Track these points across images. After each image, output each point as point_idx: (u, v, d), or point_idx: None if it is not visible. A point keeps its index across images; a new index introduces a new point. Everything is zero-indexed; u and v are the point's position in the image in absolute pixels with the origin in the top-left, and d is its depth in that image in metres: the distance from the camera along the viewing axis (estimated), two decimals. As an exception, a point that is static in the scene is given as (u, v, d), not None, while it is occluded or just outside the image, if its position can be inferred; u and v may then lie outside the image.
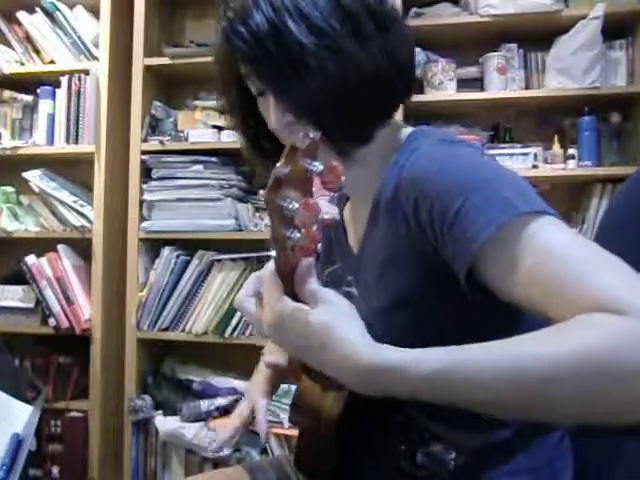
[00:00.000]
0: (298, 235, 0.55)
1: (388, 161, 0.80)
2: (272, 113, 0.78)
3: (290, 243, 0.56)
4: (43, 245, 2.29)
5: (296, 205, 0.55)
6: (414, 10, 2.17)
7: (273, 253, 0.61)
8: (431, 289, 0.74)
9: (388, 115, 0.81)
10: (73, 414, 2.21)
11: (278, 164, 0.55)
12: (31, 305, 2.26)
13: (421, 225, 0.71)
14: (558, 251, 0.61)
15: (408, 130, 0.83)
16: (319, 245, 0.56)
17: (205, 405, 2.07)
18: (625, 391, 0.52)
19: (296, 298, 0.62)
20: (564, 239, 0.62)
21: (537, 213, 0.63)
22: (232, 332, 2.10)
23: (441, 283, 0.71)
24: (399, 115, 2.05)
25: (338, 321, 0.60)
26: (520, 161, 2.07)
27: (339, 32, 0.73)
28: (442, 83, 2.12)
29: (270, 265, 0.63)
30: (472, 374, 0.55)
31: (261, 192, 0.54)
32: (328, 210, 0.55)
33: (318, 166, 0.55)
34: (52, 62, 2.34)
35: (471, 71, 2.20)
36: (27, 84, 2.36)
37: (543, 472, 0.80)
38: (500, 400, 0.56)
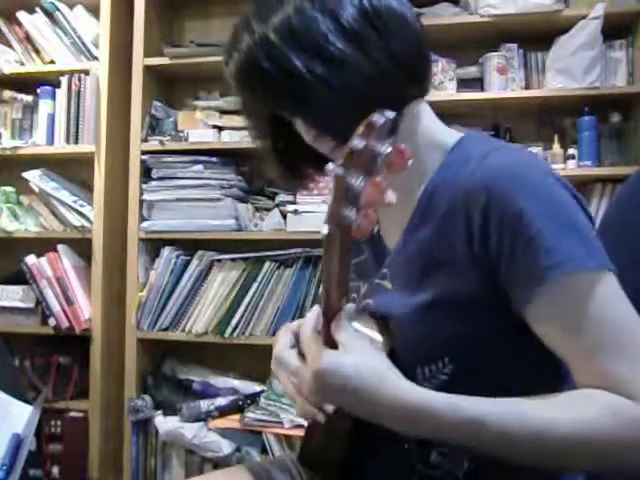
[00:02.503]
0: (356, 215, 0.56)
1: (423, 158, 0.81)
2: (301, 130, 0.81)
3: (347, 222, 0.56)
4: (43, 245, 2.29)
5: (363, 183, 0.55)
6: (414, 10, 2.17)
7: (325, 230, 0.60)
8: (482, 293, 0.74)
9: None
10: (73, 414, 2.21)
11: (354, 137, 0.55)
12: (31, 305, 2.26)
13: (486, 241, 0.71)
14: (603, 319, 0.67)
15: (453, 132, 0.84)
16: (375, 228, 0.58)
17: (205, 405, 2.07)
18: (624, 461, 0.65)
19: (333, 346, 0.68)
20: (613, 307, 0.68)
21: (599, 270, 0.68)
22: (232, 332, 2.10)
23: (492, 289, 0.72)
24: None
25: (385, 367, 0.67)
26: (520, 161, 2.07)
27: (336, 47, 0.73)
28: (442, 83, 2.13)
29: (306, 320, 0.70)
30: (507, 430, 0.64)
31: (330, 166, 0.57)
32: (390, 193, 0.56)
33: (387, 147, 0.55)
34: (52, 62, 2.34)
35: (471, 71, 2.19)
36: (27, 84, 2.36)
37: (561, 474, 0.80)
38: (520, 455, 0.66)
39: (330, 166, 0.57)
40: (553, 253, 0.66)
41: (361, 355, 0.67)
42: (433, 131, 0.84)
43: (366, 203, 0.55)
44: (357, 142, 0.55)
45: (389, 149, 0.55)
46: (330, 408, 0.72)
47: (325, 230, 0.60)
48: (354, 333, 0.69)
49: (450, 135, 0.83)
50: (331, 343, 0.68)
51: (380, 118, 0.55)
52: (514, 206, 0.69)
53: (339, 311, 0.68)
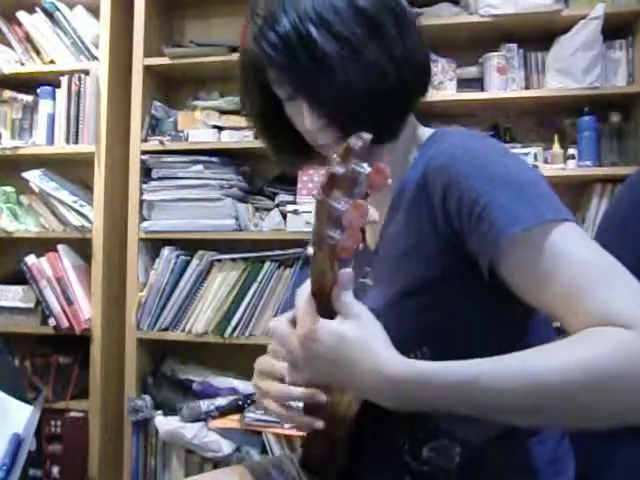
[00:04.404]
0: (341, 235, 0.57)
1: (407, 158, 0.83)
2: (306, 117, 0.79)
3: (332, 242, 0.58)
4: (43, 245, 2.29)
5: (345, 205, 0.56)
6: (414, 10, 2.17)
7: (310, 251, 0.62)
8: (453, 273, 0.75)
9: (408, 112, 0.83)
10: (73, 414, 2.21)
11: (334, 163, 0.57)
12: (31, 305, 2.26)
13: (448, 212, 0.73)
14: (576, 262, 0.65)
15: (428, 129, 0.86)
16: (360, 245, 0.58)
17: (205, 405, 2.07)
18: (631, 397, 0.58)
19: (328, 315, 0.65)
20: (583, 250, 0.66)
21: (560, 220, 0.67)
22: (232, 332, 2.10)
23: (463, 268, 0.73)
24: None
25: (371, 336, 0.64)
26: (520, 161, 2.07)
27: (360, 37, 0.74)
28: (442, 83, 2.13)
29: (304, 289, 0.67)
30: (497, 385, 0.60)
31: (315, 189, 0.57)
32: (372, 212, 0.58)
33: (366, 167, 0.56)
34: (52, 62, 2.34)
35: (471, 71, 2.19)
36: (27, 84, 2.36)
37: (546, 469, 0.80)
38: (516, 408, 0.61)
39: (314, 193, 0.59)
40: (502, 216, 0.67)
41: (354, 324, 0.64)
42: (414, 129, 0.86)
43: (349, 225, 0.57)
44: (338, 168, 0.57)
45: (369, 169, 0.57)
46: (320, 424, 0.71)
47: (310, 251, 0.61)
48: (355, 301, 0.66)
49: (427, 131, 0.86)
50: (330, 313, 0.66)
51: (358, 141, 0.56)
52: (465, 182, 0.71)
53: (334, 283, 0.65)
